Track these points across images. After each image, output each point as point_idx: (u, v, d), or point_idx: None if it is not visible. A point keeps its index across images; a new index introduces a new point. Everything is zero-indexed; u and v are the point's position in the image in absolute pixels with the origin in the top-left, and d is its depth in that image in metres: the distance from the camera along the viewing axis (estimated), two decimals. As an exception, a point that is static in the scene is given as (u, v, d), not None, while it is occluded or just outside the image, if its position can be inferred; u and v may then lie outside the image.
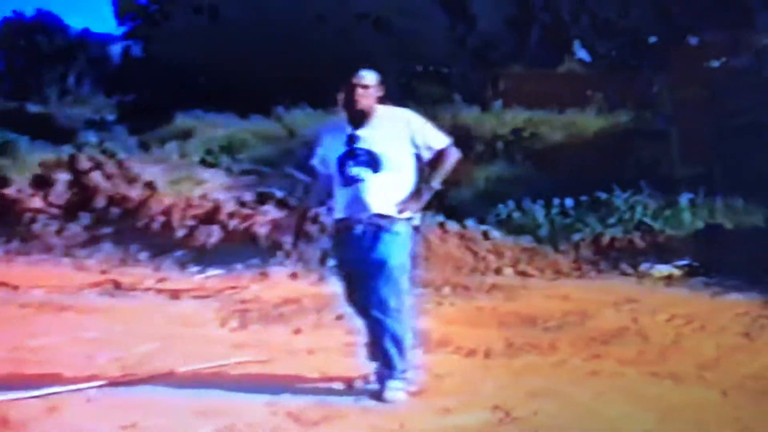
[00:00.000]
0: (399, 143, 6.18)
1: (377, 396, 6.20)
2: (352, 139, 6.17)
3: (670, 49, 19.47)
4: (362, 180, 6.12)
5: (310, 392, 6.34)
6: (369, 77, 6.17)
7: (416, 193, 6.19)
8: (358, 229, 6.14)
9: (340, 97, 6.20)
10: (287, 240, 6.30)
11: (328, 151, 6.30)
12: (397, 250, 6.13)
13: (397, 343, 6.20)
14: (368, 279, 6.12)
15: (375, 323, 6.19)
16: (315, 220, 11.06)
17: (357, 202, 6.13)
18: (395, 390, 6.20)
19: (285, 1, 24.81)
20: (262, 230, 12.43)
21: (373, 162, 6.12)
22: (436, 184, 6.25)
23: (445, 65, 22.96)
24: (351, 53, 21.57)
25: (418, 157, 6.25)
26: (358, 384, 6.44)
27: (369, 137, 6.15)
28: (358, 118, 6.19)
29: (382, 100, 6.28)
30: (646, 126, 17.66)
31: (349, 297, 6.36)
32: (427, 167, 6.26)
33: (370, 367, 6.41)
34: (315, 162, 6.47)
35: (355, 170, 6.13)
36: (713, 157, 15.25)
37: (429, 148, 6.23)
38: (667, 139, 16.73)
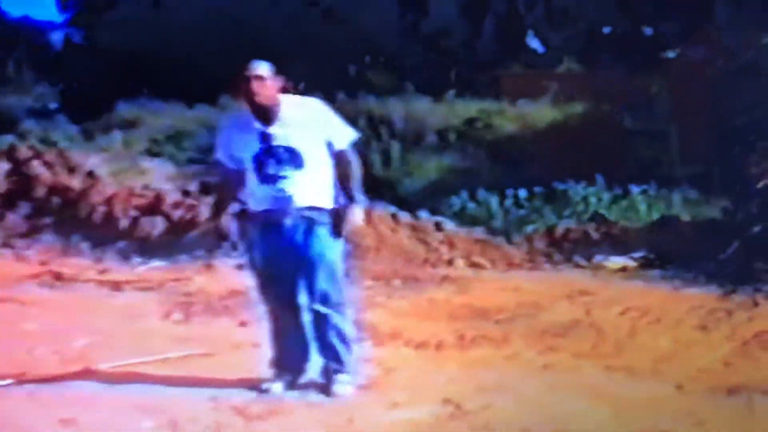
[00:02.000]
0: (314, 136, 6.02)
1: (325, 390, 6.10)
2: (265, 137, 5.96)
3: (626, 41, 19.61)
4: (285, 177, 5.95)
5: (255, 386, 6.18)
6: (263, 68, 5.94)
7: (349, 213, 6.08)
8: (287, 222, 5.98)
9: (238, 90, 5.99)
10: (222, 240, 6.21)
11: (237, 147, 6.08)
12: (332, 242, 6.04)
13: (342, 337, 6.12)
14: (305, 274, 6.02)
15: (318, 318, 6.08)
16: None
17: (282, 198, 5.97)
18: (343, 384, 6.11)
19: (233, -13, 24.67)
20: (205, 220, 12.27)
21: (294, 159, 5.95)
22: (360, 197, 6.16)
23: (398, 55, 22.90)
24: (299, 42, 21.46)
25: (330, 145, 6.11)
26: (304, 379, 6.27)
27: (283, 134, 5.96)
28: (264, 112, 5.97)
29: (284, 91, 6.09)
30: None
31: (269, 292, 6.18)
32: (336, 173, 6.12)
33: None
34: (220, 157, 6.24)
35: (275, 168, 5.95)
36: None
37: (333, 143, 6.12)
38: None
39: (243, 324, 8.28)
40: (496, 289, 10.12)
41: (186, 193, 13.51)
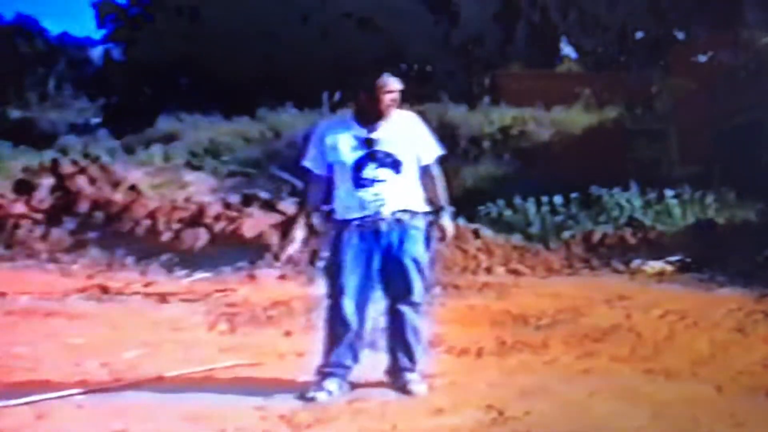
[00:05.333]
0: (409, 146, 6.28)
1: (402, 389, 6.28)
2: (369, 142, 6.20)
3: (657, 44, 19.55)
4: (383, 181, 6.19)
5: (302, 395, 6.23)
6: (398, 84, 6.24)
7: (443, 219, 6.42)
8: (383, 226, 6.19)
9: (361, 97, 6.24)
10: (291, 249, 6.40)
11: (335, 152, 6.25)
12: (423, 245, 6.31)
13: (419, 336, 6.35)
14: (396, 276, 6.24)
15: (399, 318, 6.31)
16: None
17: (378, 202, 6.18)
18: (418, 383, 6.31)
19: (267, 1, 24.67)
20: (248, 232, 12.35)
21: (394, 164, 6.21)
22: (447, 205, 6.46)
23: (431, 63, 22.91)
24: (335, 53, 21.51)
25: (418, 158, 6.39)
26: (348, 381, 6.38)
27: (386, 140, 6.21)
28: (371, 120, 6.22)
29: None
30: (643, 125, 17.71)
31: (342, 295, 6.26)
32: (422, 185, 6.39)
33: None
34: (308, 163, 6.39)
35: (375, 172, 6.18)
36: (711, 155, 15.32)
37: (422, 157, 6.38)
38: (665, 136, 16.81)
39: (288, 334, 8.36)
40: (535, 295, 10.17)
41: (227, 205, 13.60)
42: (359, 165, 6.19)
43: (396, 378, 6.38)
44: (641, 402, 6.12)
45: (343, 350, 6.30)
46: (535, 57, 22.90)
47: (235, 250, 12.14)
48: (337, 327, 6.30)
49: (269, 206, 13.38)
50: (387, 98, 6.18)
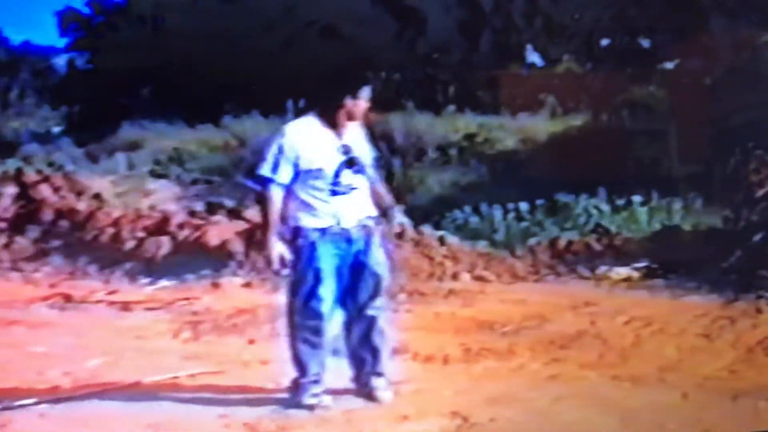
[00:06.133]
0: (365, 151, 6.33)
1: (368, 396, 6.26)
2: (346, 149, 6.16)
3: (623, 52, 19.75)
4: (357, 188, 6.19)
5: (265, 403, 6.23)
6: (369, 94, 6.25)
7: (398, 218, 6.83)
8: (354, 232, 6.17)
9: (343, 104, 6.14)
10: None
11: (311, 158, 6.08)
12: (383, 249, 6.34)
13: (384, 338, 6.34)
14: (367, 280, 6.23)
15: (367, 321, 6.28)
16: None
17: (352, 209, 6.17)
18: (383, 389, 6.29)
19: (231, 9, 24.65)
20: (213, 240, 12.29)
21: (364, 170, 6.25)
22: (394, 205, 6.60)
23: (396, 71, 22.92)
24: (299, 61, 21.48)
25: None
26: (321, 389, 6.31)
27: (354, 146, 6.22)
28: (340, 126, 6.18)
29: None
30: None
31: (312, 304, 6.16)
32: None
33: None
34: (269, 172, 6.11)
35: (351, 179, 6.16)
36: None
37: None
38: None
39: (252, 342, 8.33)
40: (501, 301, 10.17)
41: (192, 213, 13.54)
42: (338, 172, 6.12)
43: (362, 384, 6.33)
44: (608, 408, 6.13)
45: (321, 359, 6.22)
46: (500, 65, 23.01)
47: (199, 258, 12.07)
48: (316, 336, 6.16)
49: (234, 214, 13.32)
50: (365, 106, 6.18)
